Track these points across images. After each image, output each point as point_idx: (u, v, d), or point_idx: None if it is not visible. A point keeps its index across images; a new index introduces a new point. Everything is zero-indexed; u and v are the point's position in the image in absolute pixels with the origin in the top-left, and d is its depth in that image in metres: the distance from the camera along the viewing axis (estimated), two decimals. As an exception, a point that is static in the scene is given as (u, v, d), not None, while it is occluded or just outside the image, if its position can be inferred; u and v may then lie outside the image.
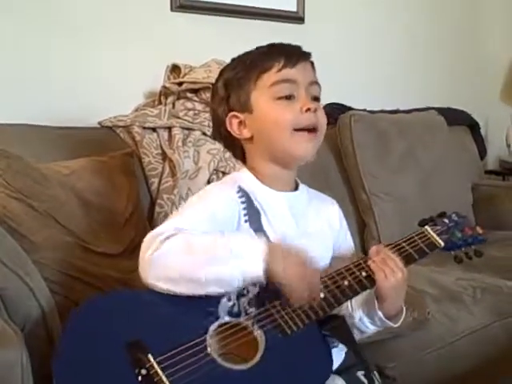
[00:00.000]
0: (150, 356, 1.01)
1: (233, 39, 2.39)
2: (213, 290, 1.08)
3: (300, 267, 1.11)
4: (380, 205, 2.38)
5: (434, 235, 1.27)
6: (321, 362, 1.14)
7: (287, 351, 1.09)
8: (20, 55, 1.97)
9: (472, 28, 3.35)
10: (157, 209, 1.88)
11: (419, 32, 3.11)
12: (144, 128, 1.99)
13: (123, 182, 1.74)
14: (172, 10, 2.29)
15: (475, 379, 1.90)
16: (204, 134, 2.04)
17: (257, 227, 1.22)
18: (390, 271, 1.19)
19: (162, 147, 1.98)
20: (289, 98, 1.24)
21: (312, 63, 1.31)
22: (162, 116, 2.03)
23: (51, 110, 1.97)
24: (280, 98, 1.24)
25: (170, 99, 2.10)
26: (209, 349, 1.05)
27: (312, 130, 1.25)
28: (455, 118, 2.96)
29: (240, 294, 1.12)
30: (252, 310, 1.09)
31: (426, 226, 1.29)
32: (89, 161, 1.72)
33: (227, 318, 1.09)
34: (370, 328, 1.29)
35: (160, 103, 2.12)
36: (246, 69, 1.26)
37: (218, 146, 2.01)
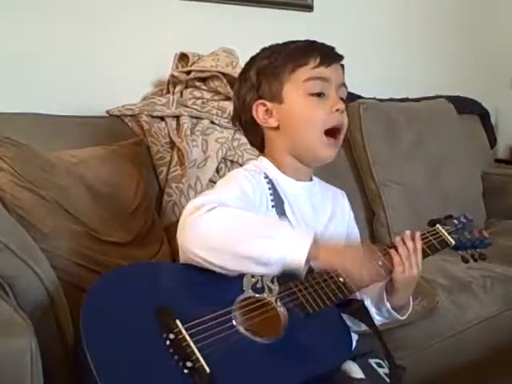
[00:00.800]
0: (177, 321, 1.02)
1: (241, 27, 2.38)
2: (246, 267, 1.09)
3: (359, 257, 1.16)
4: (389, 194, 2.37)
5: (446, 234, 1.33)
6: (341, 343, 1.16)
7: (309, 330, 1.11)
8: (27, 44, 1.96)
9: (482, 15, 3.32)
10: (165, 198, 1.88)
11: (429, 20, 3.09)
12: (152, 117, 1.99)
13: (132, 171, 1.74)
14: (180, -2, 2.29)
15: (485, 368, 1.90)
16: (212, 122, 2.03)
17: (281, 214, 1.25)
18: (408, 266, 1.22)
19: (170, 136, 1.97)
20: (319, 95, 1.26)
21: (343, 66, 1.34)
22: (170, 105, 2.02)
23: (60, 99, 1.97)
24: (312, 95, 1.26)
25: (178, 88, 2.10)
26: (234, 320, 1.07)
27: (337, 130, 1.28)
28: (465, 106, 2.94)
29: None
30: (275, 288, 1.11)
31: (438, 225, 1.34)
32: (97, 150, 1.72)
33: (251, 293, 1.10)
34: (377, 319, 1.31)
35: (168, 92, 2.11)
36: (281, 60, 1.28)
37: (226, 134, 2.00)
